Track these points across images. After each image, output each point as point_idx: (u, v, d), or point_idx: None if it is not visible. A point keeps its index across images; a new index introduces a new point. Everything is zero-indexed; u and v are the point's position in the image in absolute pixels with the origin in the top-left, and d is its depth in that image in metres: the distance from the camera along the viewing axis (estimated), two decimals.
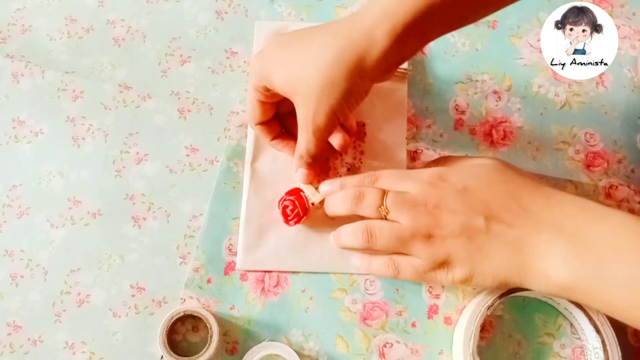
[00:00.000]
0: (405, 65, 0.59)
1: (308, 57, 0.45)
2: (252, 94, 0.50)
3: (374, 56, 0.43)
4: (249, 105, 0.51)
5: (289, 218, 0.52)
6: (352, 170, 0.56)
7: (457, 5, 0.44)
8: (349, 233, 0.48)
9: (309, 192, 0.52)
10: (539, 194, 0.43)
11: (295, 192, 0.53)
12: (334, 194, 0.50)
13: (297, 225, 0.53)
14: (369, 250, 0.47)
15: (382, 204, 0.45)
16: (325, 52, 0.44)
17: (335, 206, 0.49)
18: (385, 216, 0.45)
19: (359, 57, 0.43)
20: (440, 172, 0.45)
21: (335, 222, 0.54)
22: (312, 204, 0.52)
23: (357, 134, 0.57)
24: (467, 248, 0.43)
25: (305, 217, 0.52)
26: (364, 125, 0.57)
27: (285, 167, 0.56)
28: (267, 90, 0.48)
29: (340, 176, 0.55)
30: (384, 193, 0.46)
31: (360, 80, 0.45)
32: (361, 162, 0.56)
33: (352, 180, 0.50)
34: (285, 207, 0.52)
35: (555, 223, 0.41)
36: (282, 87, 0.46)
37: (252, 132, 0.57)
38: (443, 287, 0.54)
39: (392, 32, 0.42)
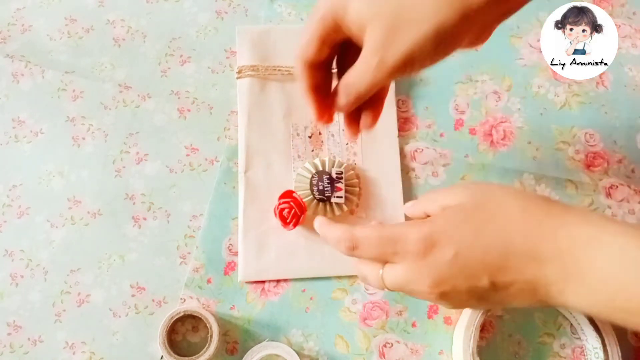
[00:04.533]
0: None
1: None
2: (316, 25, 0.41)
3: None
4: (304, 38, 0.42)
5: (287, 221, 0.52)
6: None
7: None
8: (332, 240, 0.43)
9: None
10: (529, 225, 0.38)
11: (288, 195, 0.53)
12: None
13: (296, 229, 0.53)
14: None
15: (384, 286, 0.42)
16: None
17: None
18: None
19: None
20: (426, 241, 0.39)
21: None
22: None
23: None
24: (483, 303, 0.41)
25: (303, 216, 0.52)
26: None
27: (279, 173, 0.56)
28: (336, 24, 0.40)
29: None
30: (379, 273, 0.41)
31: (464, 20, 0.36)
32: (355, 164, 0.57)
33: (331, 236, 0.43)
34: (281, 210, 0.52)
35: (556, 260, 0.37)
36: (358, 17, 0.38)
37: (243, 139, 0.56)
38: None
39: None
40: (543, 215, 0.39)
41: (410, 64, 0.38)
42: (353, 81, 0.41)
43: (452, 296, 0.40)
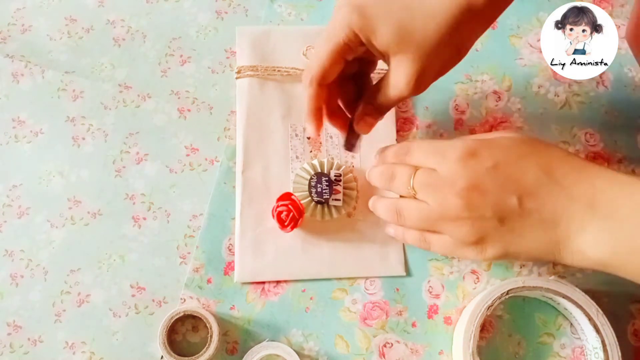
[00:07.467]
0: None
1: (420, 9, 0.40)
2: (335, 46, 0.43)
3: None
4: (319, 60, 0.44)
5: (285, 224, 0.52)
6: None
7: None
8: (382, 209, 0.49)
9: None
10: (570, 166, 0.42)
11: (287, 197, 0.52)
12: (373, 168, 0.50)
13: (294, 231, 0.53)
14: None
15: (410, 185, 0.45)
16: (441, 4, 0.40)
17: (373, 180, 0.50)
18: (414, 196, 0.45)
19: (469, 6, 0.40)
20: (470, 148, 0.43)
21: (332, 226, 0.54)
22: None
23: None
24: (500, 230, 0.42)
25: (301, 219, 0.52)
26: None
27: (278, 174, 0.56)
28: (361, 44, 0.43)
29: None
30: (413, 172, 0.45)
31: (470, 34, 0.43)
32: (353, 166, 0.57)
33: (389, 152, 0.49)
34: (279, 213, 0.52)
35: (587, 198, 0.40)
36: (388, 42, 0.41)
37: (241, 138, 0.56)
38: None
39: None
40: (585, 164, 0.42)
41: (432, 79, 0.44)
42: (382, 104, 0.46)
43: (476, 208, 0.42)
